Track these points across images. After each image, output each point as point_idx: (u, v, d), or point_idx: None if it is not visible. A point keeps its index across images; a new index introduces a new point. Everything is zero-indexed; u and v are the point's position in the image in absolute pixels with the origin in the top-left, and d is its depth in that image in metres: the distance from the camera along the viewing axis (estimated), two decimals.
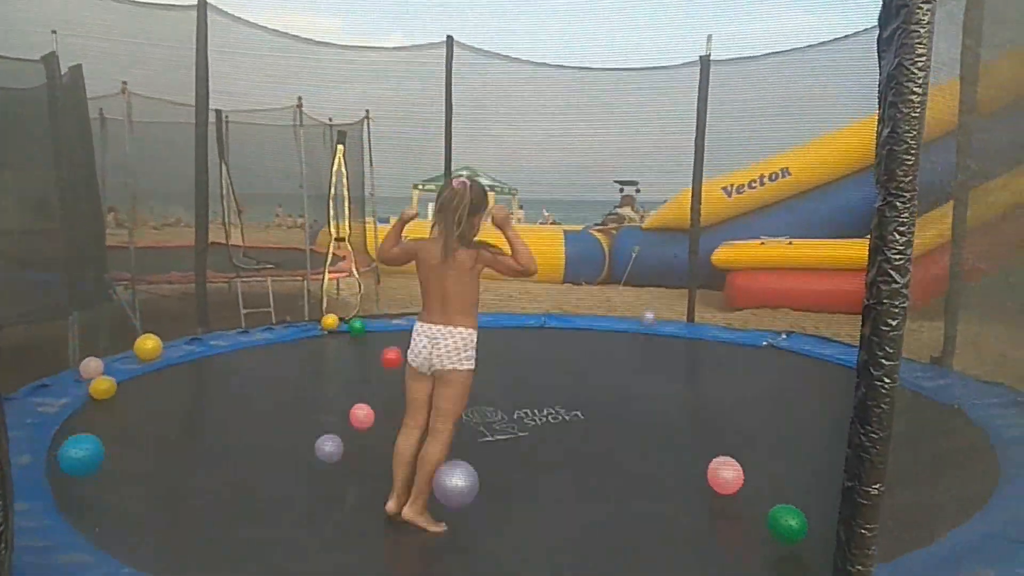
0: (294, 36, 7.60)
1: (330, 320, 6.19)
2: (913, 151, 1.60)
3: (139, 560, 2.34)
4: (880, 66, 1.70)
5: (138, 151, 7.37)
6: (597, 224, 14.66)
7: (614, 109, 9.82)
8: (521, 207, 23.73)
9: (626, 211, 16.33)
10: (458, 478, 2.53)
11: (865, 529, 1.69)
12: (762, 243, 9.84)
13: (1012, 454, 3.32)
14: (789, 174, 10.84)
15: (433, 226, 2.88)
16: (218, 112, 8.80)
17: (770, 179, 11.00)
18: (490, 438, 3.78)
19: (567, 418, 4.07)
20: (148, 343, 4.93)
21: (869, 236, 1.69)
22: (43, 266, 5.21)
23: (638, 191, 16.43)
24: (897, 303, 1.62)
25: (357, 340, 5.99)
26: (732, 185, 11.03)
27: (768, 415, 4.25)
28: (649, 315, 6.58)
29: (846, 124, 9.39)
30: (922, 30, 1.61)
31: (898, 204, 1.61)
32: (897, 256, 1.61)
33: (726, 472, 3.03)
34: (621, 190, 16.66)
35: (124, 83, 7.05)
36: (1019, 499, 2.83)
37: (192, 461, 3.49)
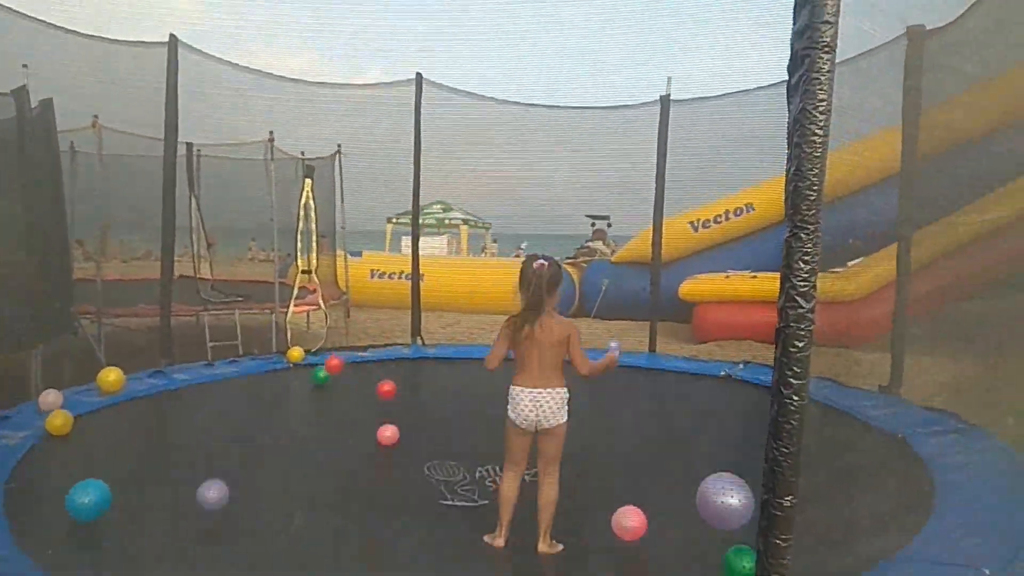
0: (265, 73, 7.73)
1: (295, 353, 6.22)
2: (816, 188, 1.75)
3: None
4: (788, 110, 1.84)
5: (108, 184, 7.42)
6: (568, 257, 14.84)
7: (584, 146, 10.06)
8: (495, 241, 23.91)
9: (597, 245, 16.55)
10: (732, 496, 2.54)
11: (780, 540, 1.79)
12: (727, 276, 10.06)
13: (949, 476, 3.46)
14: (753, 209, 11.14)
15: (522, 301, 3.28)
16: (188, 146, 8.89)
17: (735, 214, 11.30)
18: (450, 502, 3.70)
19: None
20: (110, 376, 4.95)
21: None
22: (8, 298, 5.22)
23: (609, 225, 16.70)
24: (803, 326, 1.75)
25: (321, 387, 5.80)
26: (698, 220, 11.32)
27: (721, 441, 4.36)
28: (613, 344, 6.69)
29: None
30: (823, 78, 1.76)
31: (803, 235, 1.74)
32: (802, 283, 1.74)
33: (629, 521, 3.13)
34: (593, 224, 16.92)
35: (95, 117, 7.14)
36: (950, 524, 2.95)
37: (143, 495, 3.52)
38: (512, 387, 3.28)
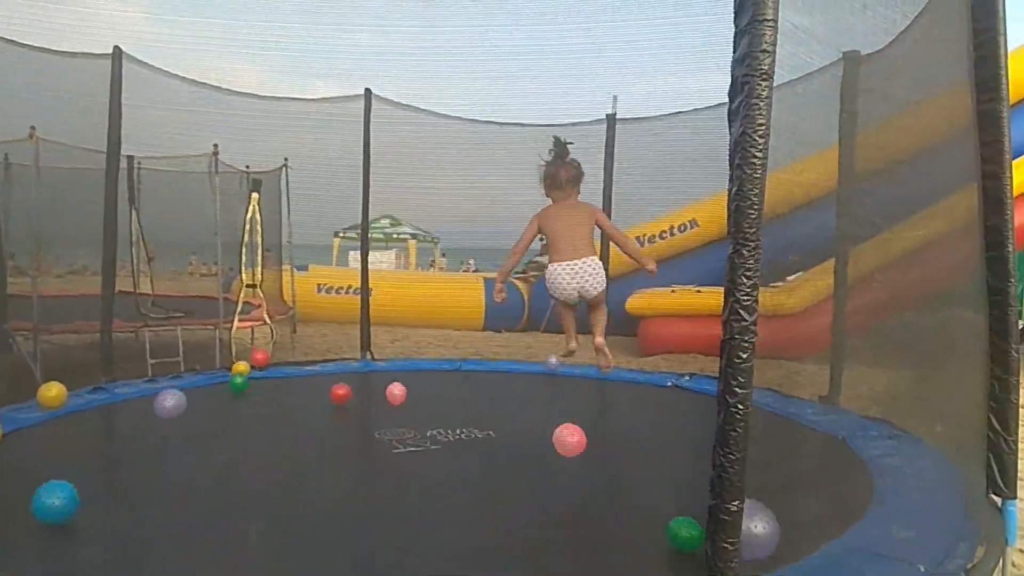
0: (212, 86, 7.64)
1: (241, 367, 6.12)
2: (756, 207, 1.84)
3: None
4: (730, 133, 1.94)
5: (45, 197, 7.21)
6: (518, 272, 14.93)
7: (532, 163, 10.16)
8: (444, 255, 23.92)
9: (546, 259, 16.68)
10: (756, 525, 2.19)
11: (727, 543, 1.87)
12: (673, 291, 10.27)
13: (886, 478, 3.62)
14: (697, 225, 11.43)
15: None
16: (129, 158, 8.70)
17: (679, 230, 11.58)
18: (402, 449, 4.04)
19: (479, 436, 4.29)
20: (52, 391, 4.79)
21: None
22: None
23: None
24: (746, 338, 1.83)
25: (241, 396, 5.61)
26: (644, 235, 11.54)
27: (666, 443, 4.54)
28: (552, 360, 6.76)
29: None
30: (762, 103, 1.86)
31: (744, 252, 1.84)
32: (745, 297, 1.83)
33: (569, 437, 3.47)
34: (541, 239, 17.05)
35: (32, 128, 6.94)
36: (886, 517, 3.09)
37: (96, 502, 3.41)
38: (549, 266, 4.03)
